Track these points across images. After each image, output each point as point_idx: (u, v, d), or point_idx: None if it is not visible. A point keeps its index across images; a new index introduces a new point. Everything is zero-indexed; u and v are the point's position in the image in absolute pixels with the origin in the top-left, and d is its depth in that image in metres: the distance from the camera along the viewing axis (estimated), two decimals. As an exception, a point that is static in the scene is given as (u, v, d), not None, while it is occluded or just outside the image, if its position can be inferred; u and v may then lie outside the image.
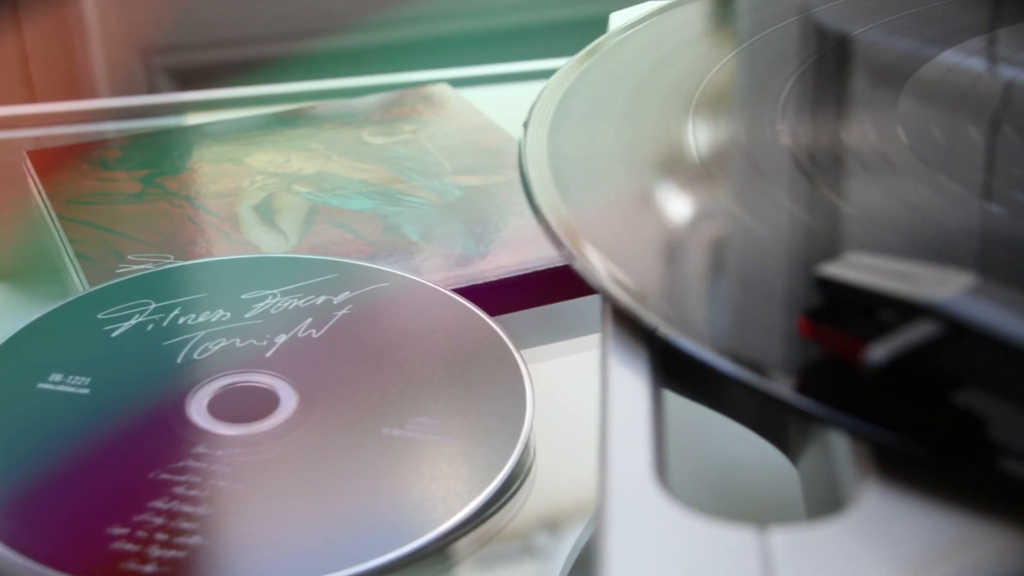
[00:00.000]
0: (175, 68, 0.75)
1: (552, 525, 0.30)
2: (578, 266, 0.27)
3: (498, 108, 0.49)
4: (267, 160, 0.44)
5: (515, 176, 0.43)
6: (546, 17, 0.77)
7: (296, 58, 0.74)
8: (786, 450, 0.26)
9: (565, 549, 0.30)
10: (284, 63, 0.73)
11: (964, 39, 0.37)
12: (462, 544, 0.28)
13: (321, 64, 0.73)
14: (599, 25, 0.41)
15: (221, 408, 0.30)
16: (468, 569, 0.28)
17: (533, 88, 0.37)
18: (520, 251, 0.38)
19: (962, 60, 0.36)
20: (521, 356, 0.32)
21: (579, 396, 0.35)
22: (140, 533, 0.26)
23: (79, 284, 0.37)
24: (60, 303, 0.34)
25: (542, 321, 0.38)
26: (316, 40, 0.74)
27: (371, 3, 0.74)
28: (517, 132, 0.46)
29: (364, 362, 0.32)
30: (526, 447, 0.30)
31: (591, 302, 0.35)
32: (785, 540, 0.20)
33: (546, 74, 0.37)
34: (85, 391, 0.31)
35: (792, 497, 0.27)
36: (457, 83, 0.52)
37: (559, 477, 0.31)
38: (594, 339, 0.36)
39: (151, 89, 0.74)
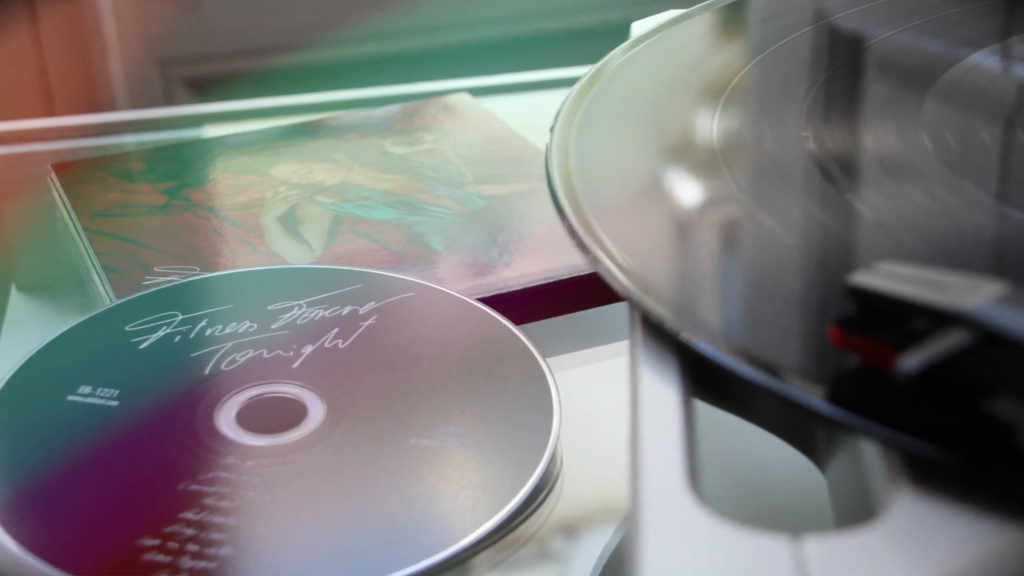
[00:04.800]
0: (192, 79, 0.75)
1: (579, 534, 0.30)
2: (605, 272, 0.27)
3: (519, 117, 0.49)
4: (290, 171, 0.44)
5: (538, 185, 0.43)
6: (566, 25, 0.77)
7: (313, 68, 0.74)
8: (814, 458, 0.26)
9: (592, 558, 0.30)
10: (301, 73, 0.74)
11: (987, 44, 0.37)
12: (489, 554, 0.28)
13: (339, 74, 0.73)
14: (619, 33, 0.41)
15: (249, 419, 0.31)
16: (495, 578, 0.28)
17: (553, 97, 0.37)
18: (544, 260, 0.38)
19: (986, 65, 0.36)
20: (547, 365, 0.32)
21: (605, 405, 0.35)
22: (171, 544, 0.27)
23: (106, 296, 0.37)
24: (87, 315, 0.34)
25: (567, 329, 0.38)
26: (333, 50, 0.74)
27: (388, 13, 0.74)
28: (538, 141, 0.46)
29: (391, 372, 0.32)
30: (553, 456, 0.30)
31: (616, 310, 0.35)
32: (819, 549, 0.20)
33: (566, 83, 0.37)
34: (114, 403, 0.31)
35: (820, 505, 0.27)
36: (477, 92, 0.52)
37: (586, 486, 0.31)
38: (620, 347, 0.36)
39: (169, 100, 0.75)
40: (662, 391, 0.24)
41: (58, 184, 0.44)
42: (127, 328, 0.34)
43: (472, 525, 0.27)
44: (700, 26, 0.40)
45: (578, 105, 0.35)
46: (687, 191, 0.31)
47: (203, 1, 0.73)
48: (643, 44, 0.39)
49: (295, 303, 0.35)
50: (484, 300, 0.36)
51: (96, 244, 0.39)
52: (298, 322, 0.34)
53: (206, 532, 0.27)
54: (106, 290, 0.37)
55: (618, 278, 0.27)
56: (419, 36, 0.75)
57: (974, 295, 0.21)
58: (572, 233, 0.29)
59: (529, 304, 0.37)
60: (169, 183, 0.44)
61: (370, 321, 0.34)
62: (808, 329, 0.25)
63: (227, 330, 0.34)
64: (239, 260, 0.38)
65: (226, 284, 0.36)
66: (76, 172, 0.45)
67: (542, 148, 0.38)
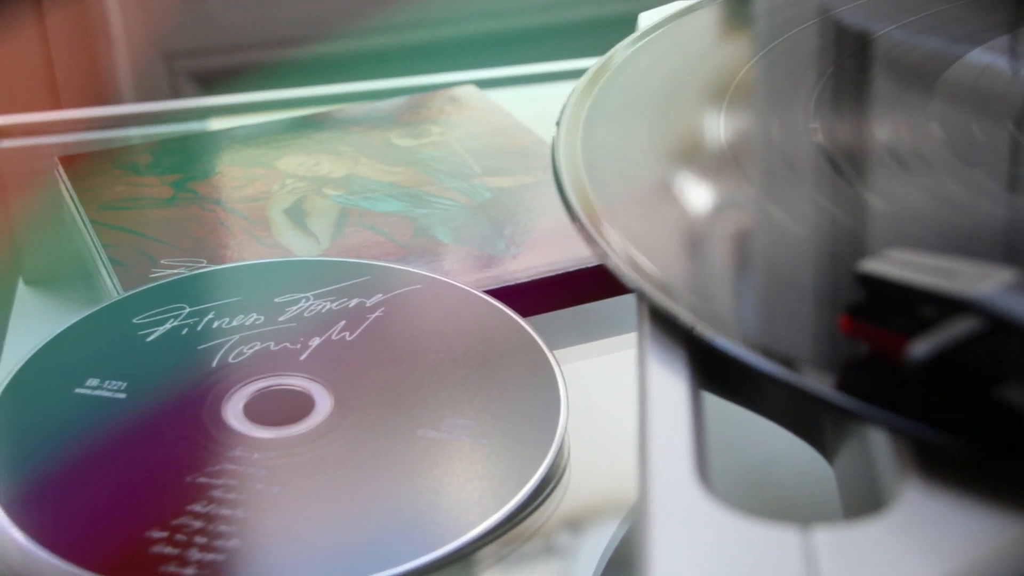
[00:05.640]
0: (198, 72, 0.75)
1: (586, 526, 0.30)
2: (612, 265, 0.27)
3: (525, 109, 0.49)
4: (297, 163, 0.44)
5: (544, 177, 0.43)
6: (572, 17, 0.77)
7: (320, 61, 0.74)
8: (822, 450, 0.26)
9: (599, 549, 0.30)
10: (307, 66, 0.73)
11: (994, 36, 0.37)
12: (496, 546, 0.28)
13: (345, 67, 0.73)
14: (626, 24, 0.41)
15: (257, 411, 0.31)
16: (501, 570, 0.28)
17: (560, 89, 0.37)
18: (551, 252, 0.38)
19: (995, 57, 0.36)
20: (554, 357, 0.32)
21: (613, 397, 0.35)
22: (179, 536, 0.27)
23: (113, 289, 0.37)
24: (95, 308, 0.34)
25: (575, 321, 0.38)
26: (340, 42, 0.74)
27: (394, 5, 0.74)
28: (545, 133, 0.46)
29: (398, 364, 0.32)
30: (560, 449, 0.30)
31: (623, 302, 0.35)
32: (828, 539, 0.20)
33: (573, 75, 0.37)
34: (122, 395, 0.31)
35: (829, 497, 0.27)
36: (483, 84, 0.52)
37: (593, 478, 0.31)
38: (627, 339, 0.36)
39: (174, 93, 0.75)
40: (670, 383, 0.24)
41: (65, 177, 0.44)
42: (134, 321, 0.34)
43: (479, 517, 0.27)
44: (707, 18, 0.40)
45: (585, 98, 0.35)
46: (695, 184, 0.31)
47: (209, -6, 0.73)
48: (650, 36, 0.38)
49: (302, 296, 0.35)
50: (491, 292, 0.35)
51: (103, 237, 0.39)
52: (305, 314, 0.34)
53: (214, 524, 0.27)
54: (113, 283, 0.37)
55: (628, 273, 0.27)
56: (425, 28, 0.75)
57: (984, 282, 0.21)
58: (580, 228, 0.29)
59: (536, 296, 0.37)
60: (176, 176, 0.44)
61: (377, 313, 0.34)
62: (818, 319, 0.25)
63: (234, 323, 0.34)
64: (246, 253, 0.38)
65: (233, 277, 0.36)
66: (83, 165, 0.45)
67: (549, 140, 0.38)
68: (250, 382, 0.31)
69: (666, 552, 0.20)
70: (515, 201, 0.41)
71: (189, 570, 0.26)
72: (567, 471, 0.30)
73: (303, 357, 0.32)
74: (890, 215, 0.28)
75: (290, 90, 0.54)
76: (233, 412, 0.30)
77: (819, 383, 0.22)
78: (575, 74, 0.37)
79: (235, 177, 0.43)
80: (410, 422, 0.30)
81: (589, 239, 0.28)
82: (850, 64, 0.36)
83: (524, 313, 0.34)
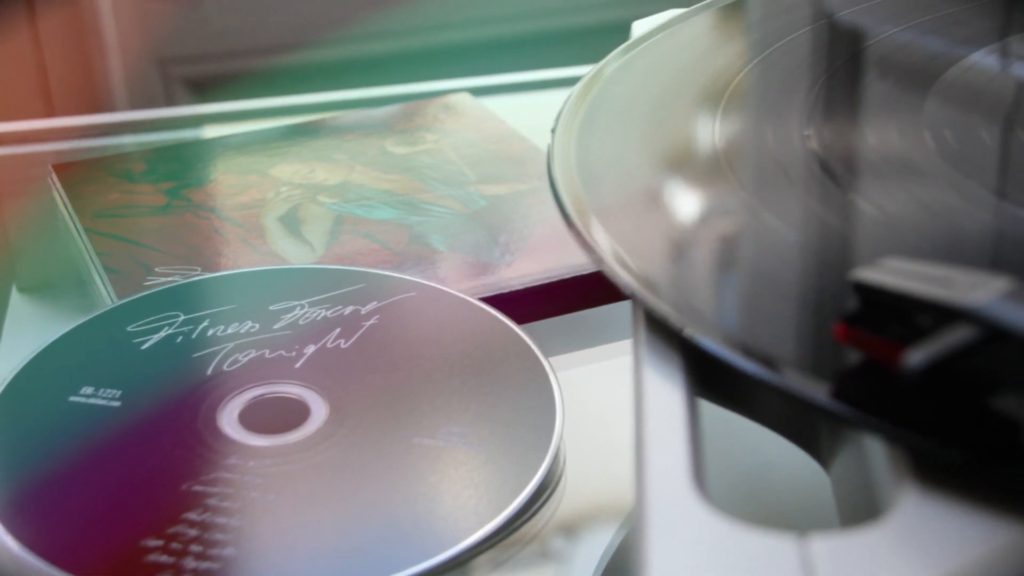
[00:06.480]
0: (192, 79, 0.75)
1: (582, 532, 0.30)
2: (608, 270, 0.27)
3: (519, 117, 0.49)
4: (291, 171, 0.44)
5: (539, 184, 0.43)
6: (566, 25, 0.77)
7: (314, 68, 0.74)
8: (819, 457, 0.26)
9: (595, 556, 0.30)
10: (302, 73, 0.74)
11: (989, 42, 0.37)
12: (492, 554, 0.28)
13: (339, 74, 0.73)
14: (620, 32, 0.41)
15: (252, 419, 0.30)
16: (498, 577, 0.28)
17: (554, 96, 0.37)
18: (546, 259, 0.38)
19: (988, 64, 0.36)
20: (550, 364, 0.32)
21: (609, 404, 0.35)
22: (175, 545, 0.27)
23: (107, 297, 0.37)
24: (89, 316, 0.34)
25: (570, 329, 0.38)
26: (334, 50, 0.74)
27: (389, 12, 0.74)
28: (539, 141, 0.46)
29: (393, 372, 0.32)
30: (556, 456, 0.30)
31: (619, 309, 0.35)
32: (825, 548, 0.20)
33: (567, 82, 0.37)
34: (116, 404, 0.31)
35: (825, 504, 0.27)
36: (477, 92, 0.52)
37: (589, 486, 0.31)
38: (622, 346, 0.36)
39: (169, 100, 0.75)
40: (666, 390, 0.24)
41: (59, 185, 0.44)
42: (129, 329, 0.34)
43: (475, 525, 0.27)
44: (701, 25, 0.40)
45: (579, 105, 0.35)
46: (690, 190, 0.31)
47: (203, 0, 0.73)
48: (644, 44, 0.39)
49: (297, 303, 0.35)
50: (486, 300, 0.35)
51: (97, 245, 0.39)
52: (300, 322, 0.34)
53: (209, 533, 0.27)
54: (107, 291, 0.37)
55: (622, 277, 0.27)
56: (419, 36, 0.75)
57: (979, 291, 0.21)
58: (575, 232, 0.29)
59: (531, 303, 0.37)
60: (170, 183, 0.44)
61: (372, 321, 0.34)
62: (813, 326, 0.25)
63: (229, 330, 0.34)
64: (241, 260, 0.38)
65: (228, 284, 0.36)
66: (77, 173, 0.45)
67: (543, 148, 0.38)
68: (245, 390, 0.31)
69: (662, 560, 0.20)
70: (510, 208, 0.41)
71: (184, 579, 0.26)
72: (563, 478, 0.30)
73: (298, 365, 0.32)
74: (884, 222, 0.28)
75: (285, 97, 0.55)
76: (228, 420, 0.30)
77: (814, 390, 0.22)
78: (569, 81, 0.37)
79: (230, 185, 0.43)
80: (406, 430, 0.30)
81: (585, 244, 0.28)
82: (844, 71, 0.36)
83: (519, 320, 0.34)
